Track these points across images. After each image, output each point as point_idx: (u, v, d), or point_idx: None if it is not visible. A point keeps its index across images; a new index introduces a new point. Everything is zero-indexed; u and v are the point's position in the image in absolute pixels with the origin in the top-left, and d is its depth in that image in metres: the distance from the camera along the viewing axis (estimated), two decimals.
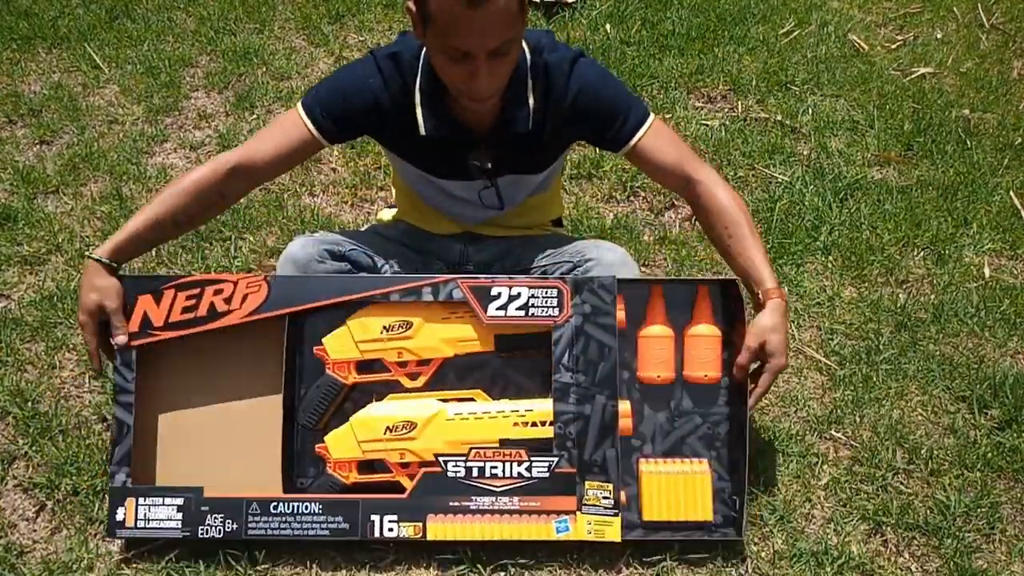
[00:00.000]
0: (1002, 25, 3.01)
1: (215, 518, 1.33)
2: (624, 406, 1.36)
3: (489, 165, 1.41)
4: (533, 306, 1.33)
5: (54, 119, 2.42)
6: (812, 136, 2.39)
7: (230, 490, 1.34)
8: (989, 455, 1.55)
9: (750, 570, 1.37)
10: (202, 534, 1.33)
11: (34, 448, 1.54)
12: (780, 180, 2.22)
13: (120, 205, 2.10)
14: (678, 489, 1.36)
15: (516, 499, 1.32)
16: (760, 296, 1.33)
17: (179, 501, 1.33)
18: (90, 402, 1.63)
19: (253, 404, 1.40)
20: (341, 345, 1.37)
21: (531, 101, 1.35)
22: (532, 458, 1.32)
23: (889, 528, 1.44)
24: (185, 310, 1.34)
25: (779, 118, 2.45)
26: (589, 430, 1.33)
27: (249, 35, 2.79)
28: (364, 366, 1.39)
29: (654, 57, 2.69)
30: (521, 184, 1.49)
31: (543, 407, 1.35)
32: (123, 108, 2.47)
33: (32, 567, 1.37)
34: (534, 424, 1.34)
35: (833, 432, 1.60)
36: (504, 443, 1.34)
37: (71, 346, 1.74)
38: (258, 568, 1.36)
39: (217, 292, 1.34)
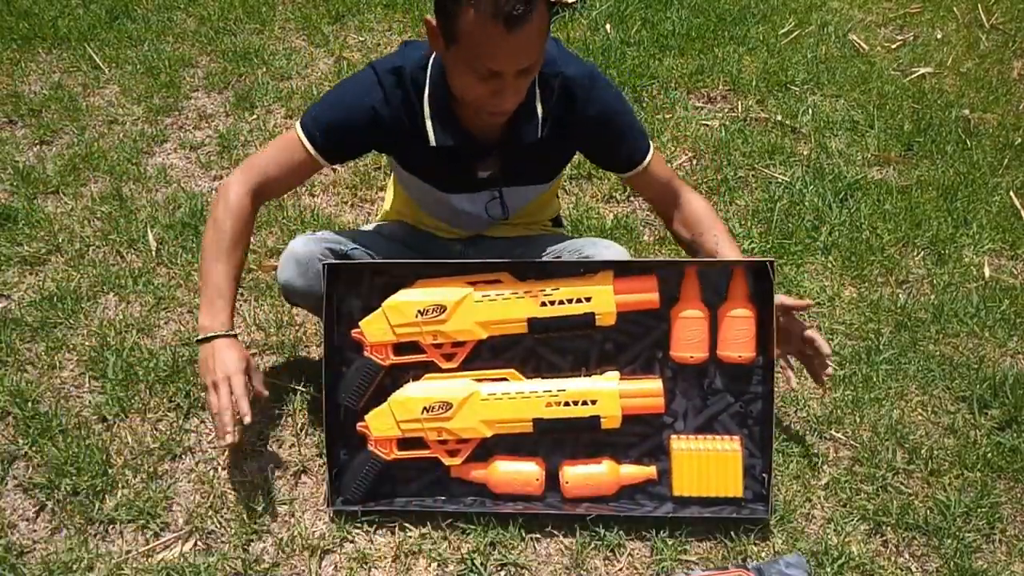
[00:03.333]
0: (1002, 25, 3.01)
1: None
2: (656, 384, 1.37)
3: (497, 173, 1.41)
4: None
5: (54, 119, 2.42)
6: (812, 136, 2.39)
7: None
8: (989, 455, 1.55)
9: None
10: None
11: (34, 448, 1.54)
12: (780, 180, 2.22)
13: (120, 205, 2.10)
14: (709, 466, 1.37)
15: None
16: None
17: None
18: (90, 402, 1.63)
19: None
20: (377, 328, 1.38)
21: (539, 110, 1.34)
22: None
23: (889, 528, 1.44)
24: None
25: (779, 118, 2.45)
26: None
27: (249, 35, 2.79)
28: (400, 348, 1.40)
29: (654, 57, 2.69)
30: (526, 194, 1.49)
31: (576, 386, 1.36)
32: (123, 108, 2.47)
33: (32, 567, 1.36)
34: (567, 404, 1.35)
35: (833, 432, 1.60)
36: (537, 423, 1.36)
37: (71, 346, 1.74)
38: (258, 568, 1.36)
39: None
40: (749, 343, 1.37)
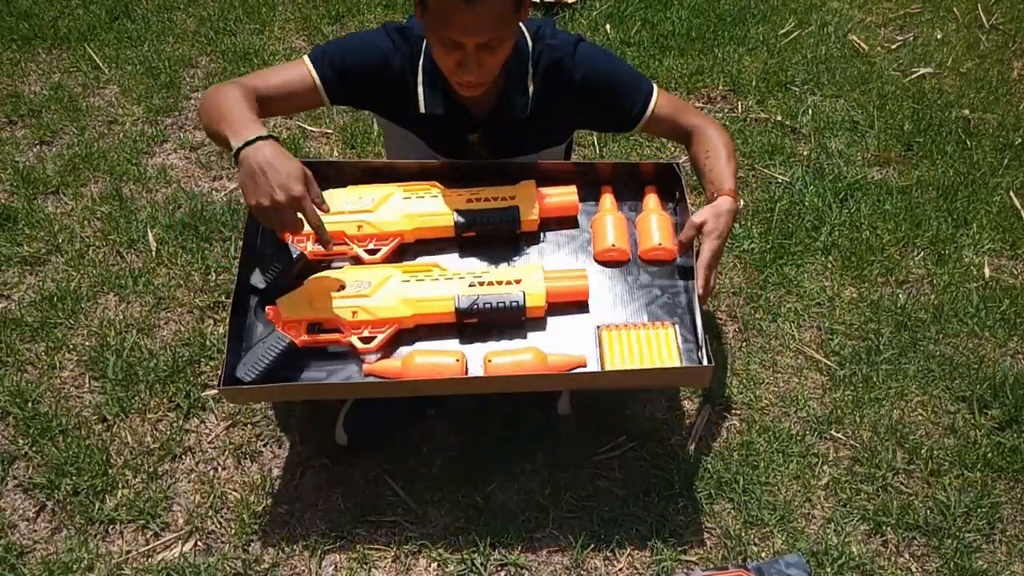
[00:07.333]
0: (1002, 25, 3.01)
1: None
2: (581, 270, 1.38)
3: (485, 150, 1.45)
4: None
5: (54, 119, 2.42)
6: (812, 136, 2.39)
7: None
8: (989, 455, 1.55)
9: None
10: None
11: (34, 448, 1.54)
12: (780, 180, 2.22)
13: (120, 205, 2.10)
14: (641, 342, 1.31)
15: None
16: (714, 195, 1.36)
17: None
18: (90, 402, 1.63)
19: None
20: None
21: (531, 88, 1.38)
22: None
23: (889, 528, 1.44)
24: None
25: (779, 118, 2.45)
26: None
27: (249, 36, 2.79)
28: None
29: (654, 57, 2.69)
30: None
31: (501, 271, 1.37)
32: (123, 108, 2.47)
33: (32, 567, 1.37)
34: (490, 283, 1.33)
35: (833, 432, 1.60)
36: (459, 299, 1.31)
37: (71, 346, 1.74)
38: (258, 568, 1.36)
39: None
40: (669, 237, 1.41)
